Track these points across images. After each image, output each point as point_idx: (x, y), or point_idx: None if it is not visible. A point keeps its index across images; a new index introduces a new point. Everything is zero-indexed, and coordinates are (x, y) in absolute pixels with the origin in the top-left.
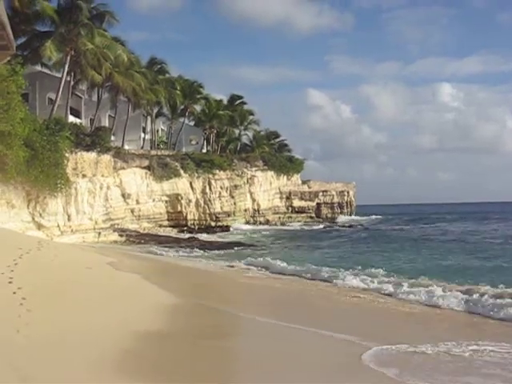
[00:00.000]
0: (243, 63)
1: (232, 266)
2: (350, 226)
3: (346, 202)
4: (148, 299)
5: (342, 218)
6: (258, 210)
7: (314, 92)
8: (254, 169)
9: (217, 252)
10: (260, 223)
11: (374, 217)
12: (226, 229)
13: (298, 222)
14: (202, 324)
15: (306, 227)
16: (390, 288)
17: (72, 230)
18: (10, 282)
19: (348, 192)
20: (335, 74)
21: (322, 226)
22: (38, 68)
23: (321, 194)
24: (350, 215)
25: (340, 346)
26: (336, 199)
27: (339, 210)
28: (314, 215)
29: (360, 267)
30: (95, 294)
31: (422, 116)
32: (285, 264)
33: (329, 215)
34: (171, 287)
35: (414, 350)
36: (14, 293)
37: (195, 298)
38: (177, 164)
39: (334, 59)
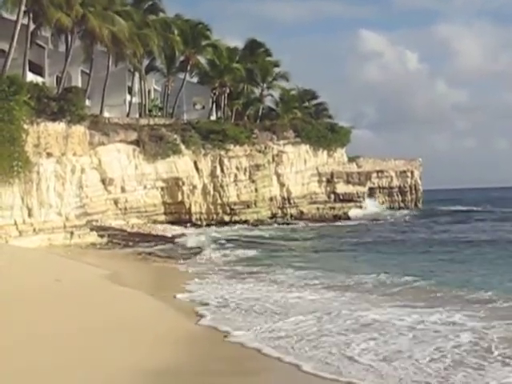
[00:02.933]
0: None
1: None
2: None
3: (410, 187)
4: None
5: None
6: (289, 199)
7: (368, 34)
8: (281, 142)
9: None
10: (291, 216)
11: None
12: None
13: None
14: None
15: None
16: None
17: (34, 230)
18: None
19: (412, 172)
20: (396, 8)
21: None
22: None
23: (375, 175)
24: (416, 205)
25: None
26: (395, 182)
27: (400, 198)
28: (365, 204)
29: None
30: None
31: None
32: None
33: (386, 204)
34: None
35: None
36: None
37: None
38: (176, 137)
39: None
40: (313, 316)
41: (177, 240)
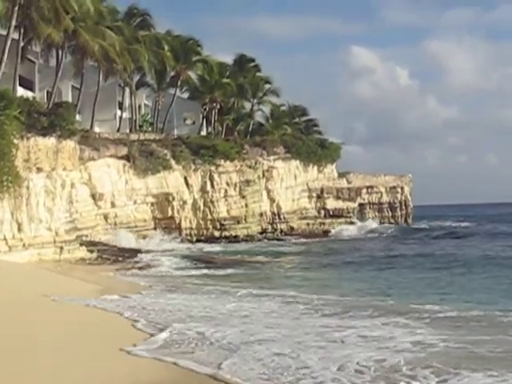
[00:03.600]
0: (259, 12)
1: None
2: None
3: (400, 202)
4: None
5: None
6: (279, 215)
7: (359, 50)
8: (272, 157)
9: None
10: (282, 232)
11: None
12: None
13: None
14: None
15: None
16: None
17: (24, 245)
18: None
19: (402, 188)
20: (387, 25)
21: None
22: None
23: (365, 191)
24: (406, 220)
25: None
26: (385, 198)
27: (390, 213)
28: (355, 220)
29: None
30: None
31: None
32: None
33: (376, 220)
34: None
35: None
36: None
37: None
38: (166, 152)
39: (384, 5)
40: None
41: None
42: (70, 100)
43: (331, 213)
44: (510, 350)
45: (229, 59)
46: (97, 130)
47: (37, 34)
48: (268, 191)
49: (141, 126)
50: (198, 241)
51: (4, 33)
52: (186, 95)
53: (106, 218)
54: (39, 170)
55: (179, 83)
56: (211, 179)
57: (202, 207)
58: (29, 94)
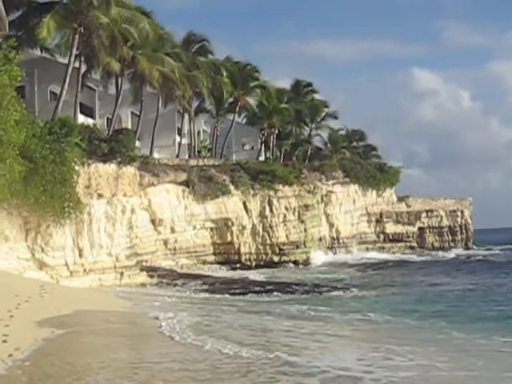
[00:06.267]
0: (318, 36)
1: None
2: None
3: (460, 226)
4: None
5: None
6: (338, 239)
7: (420, 73)
8: (330, 182)
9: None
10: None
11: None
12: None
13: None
14: None
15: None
16: None
17: (85, 270)
18: (4, 341)
19: (462, 212)
20: (449, 46)
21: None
22: (37, 53)
23: (424, 214)
24: (466, 244)
25: None
26: (445, 222)
27: (450, 237)
28: (415, 244)
29: None
30: None
31: None
32: None
33: (436, 244)
34: None
35: None
36: (10, 355)
37: None
38: (225, 177)
39: (446, 26)
40: None
41: None
42: (129, 126)
43: (391, 237)
44: None
45: (287, 84)
46: (156, 156)
47: (97, 62)
48: (327, 216)
49: (199, 152)
50: (258, 266)
51: (65, 61)
52: (244, 121)
53: (165, 243)
54: (100, 196)
55: (237, 109)
56: (270, 204)
57: (261, 232)
58: (89, 120)
